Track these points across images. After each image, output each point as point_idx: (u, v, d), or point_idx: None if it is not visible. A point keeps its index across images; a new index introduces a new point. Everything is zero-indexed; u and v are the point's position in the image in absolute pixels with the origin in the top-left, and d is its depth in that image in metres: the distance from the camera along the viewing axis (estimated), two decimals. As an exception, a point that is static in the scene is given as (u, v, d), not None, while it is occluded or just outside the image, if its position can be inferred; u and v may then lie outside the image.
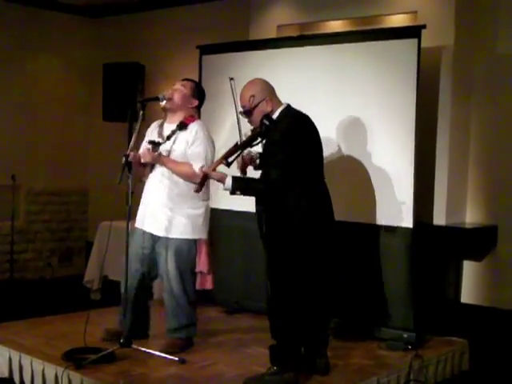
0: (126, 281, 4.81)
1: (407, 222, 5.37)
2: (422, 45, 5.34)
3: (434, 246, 5.69)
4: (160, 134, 4.97)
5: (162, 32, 8.55)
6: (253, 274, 6.14)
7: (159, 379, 4.44)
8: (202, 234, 4.99)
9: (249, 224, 5.83)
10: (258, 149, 4.55)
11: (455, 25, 5.77)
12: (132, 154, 4.72)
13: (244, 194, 4.34)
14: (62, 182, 9.21)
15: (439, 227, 5.78)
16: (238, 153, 4.40)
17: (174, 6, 8.42)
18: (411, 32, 5.44)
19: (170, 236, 4.89)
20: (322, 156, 4.53)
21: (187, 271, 4.94)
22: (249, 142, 4.40)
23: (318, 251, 4.41)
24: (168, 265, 4.90)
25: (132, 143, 4.78)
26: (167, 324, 5.00)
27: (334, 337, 5.25)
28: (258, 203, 4.49)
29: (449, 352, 5.29)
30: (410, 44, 5.39)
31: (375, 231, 5.54)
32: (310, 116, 4.49)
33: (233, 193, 4.26)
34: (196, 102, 5.04)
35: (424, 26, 5.35)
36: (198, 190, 4.32)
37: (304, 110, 4.51)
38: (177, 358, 4.68)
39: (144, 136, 5.11)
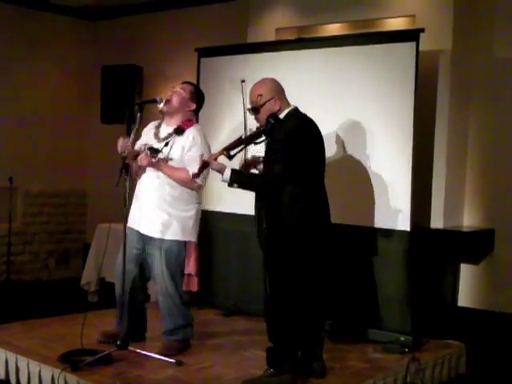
0: (123, 282, 4.81)
1: (405, 225, 5.38)
2: (420, 48, 5.34)
3: (431, 249, 5.69)
4: (156, 135, 4.97)
5: (161, 34, 8.56)
6: (250, 277, 6.14)
7: (156, 381, 4.43)
8: (191, 237, 4.98)
9: (246, 227, 5.84)
10: (261, 152, 4.57)
11: (453, 28, 5.78)
12: (128, 148, 4.74)
13: (241, 188, 4.36)
14: (59, 184, 9.20)
15: (437, 230, 5.78)
16: (241, 147, 4.40)
17: (172, 8, 8.43)
18: (409, 35, 5.45)
19: (163, 237, 4.89)
20: (323, 161, 4.55)
21: (178, 272, 4.94)
22: (253, 138, 4.43)
23: (314, 252, 4.42)
24: (159, 266, 4.91)
25: (129, 145, 4.79)
26: (163, 326, 4.99)
27: (331, 339, 5.26)
28: (258, 200, 4.49)
29: (446, 355, 5.28)
30: (408, 47, 5.40)
31: (373, 234, 5.55)
32: (310, 119, 4.51)
33: (230, 185, 4.30)
34: (194, 106, 5.04)
35: (422, 30, 5.36)
36: (195, 176, 4.41)
37: (302, 113, 4.53)
38: (174, 360, 4.68)
39: (141, 136, 5.11)
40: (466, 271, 6.01)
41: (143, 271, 5.06)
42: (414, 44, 5.35)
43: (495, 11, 5.98)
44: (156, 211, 4.90)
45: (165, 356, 4.73)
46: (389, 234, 5.48)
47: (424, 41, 5.37)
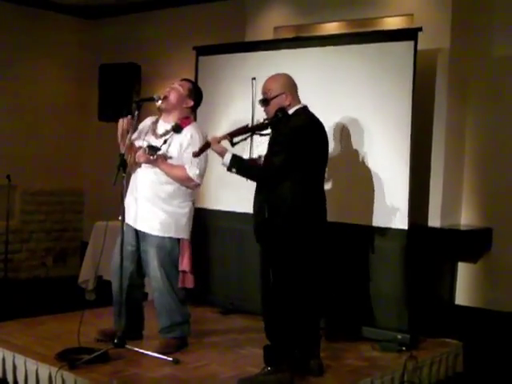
0: (121, 279, 4.81)
1: (402, 223, 5.38)
2: (418, 47, 5.34)
3: (428, 248, 5.69)
4: (154, 131, 4.97)
5: (159, 33, 8.56)
6: (247, 275, 6.14)
7: (153, 379, 4.43)
8: (184, 234, 4.98)
9: (244, 225, 5.85)
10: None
11: (451, 27, 5.78)
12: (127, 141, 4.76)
13: (239, 174, 4.38)
14: (57, 182, 9.20)
15: (434, 229, 5.79)
16: (246, 136, 4.44)
17: (170, 6, 8.43)
18: (407, 34, 5.45)
19: (157, 234, 4.89)
20: (325, 162, 4.56)
21: (172, 269, 4.94)
22: (258, 128, 4.47)
23: (311, 250, 4.43)
24: (154, 263, 4.91)
25: (127, 143, 4.80)
26: (160, 323, 4.99)
27: (328, 338, 5.26)
28: (258, 193, 4.50)
29: (443, 353, 5.29)
30: (406, 46, 5.40)
31: (370, 233, 5.55)
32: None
33: (229, 169, 4.33)
34: (191, 103, 5.03)
35: (420, 29, 5.36)
36: (196, 155, 4.48)
37: (300, 111, 4.53)
38: (171, 359, 4.67)
39: (139, 133, 5.10)
40: (463, 270, 6.02)
41: (140, 268, 5.06)
42: (411, 43, 5.35)
43: (493, 10, 5.98)
44: (150, 208, 4.89)
45: (162, 354, 4.73)
46: (386, 232, 5.48)
47: (422, 40, 5.36)
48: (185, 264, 4.96)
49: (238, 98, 6.25)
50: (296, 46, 6.05)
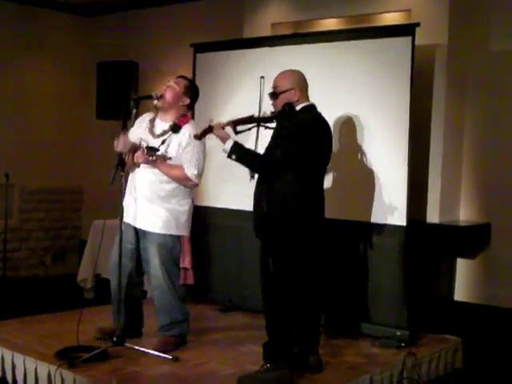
0: (119, 277, 4.81)
1: (401, 219, 5.38)
2: (416, 43, 5.34)
3: (427, 244, 5.69)
4: (151, 130, 4.96)
5: (156, 30, 8.54)
6: (247, 272, 6.14)
7: (152, 377, 4.43)
8: (184, 231, 4.99)
9: (243, 222, 5.85)
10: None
11: (449, 23, 5.77)
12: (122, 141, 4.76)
13: (238, 161, 4.38)
14: (55, 181, 9.19)
15: (433, 225, 5.79)
16: (250, 126, 4.49)
17: (168, 4, 8.41)
18: (405, 30, 5.44)
19: (157, 232, 4.89)
20: (327, 161, 4.56)
21: (173, 267, 4.94)
22: (263, 120, 4.51)
23: (309, 246, 4.42)
24: (155, 260, 4.91)
25: (122, 143, 4.80)
26: (159, 321, 4.98)
27: (327, 335, 5.26)
28: (259, 185, 4.50)
29: (442, 350, 5.29)
30: (403, 42, 5.40)
31: (369, 229, 5.54)
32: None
33: (229, 156, 4.34)
34: (188, 101, 5.02)
35: (418, 24, 5.35)
36: (197, 137, 4.52)
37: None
38: (170, 356, 4.67)
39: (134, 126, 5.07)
40: (462, 266, 6.02)
41: (139, 266, 5.06)
42: (409, 39, 5.35)
43: (491, 5, 5.97)
44: (150, 206, 4.89)
45: (161, 352, 4.73)
46: (385, 228, 5.48)
47: (420, 35, 5.36)
48: (186, 261, 4.97)
49: (236, 95, 6.25)
50: (294, 42, 6.05)
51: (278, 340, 4.41)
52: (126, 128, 4.84)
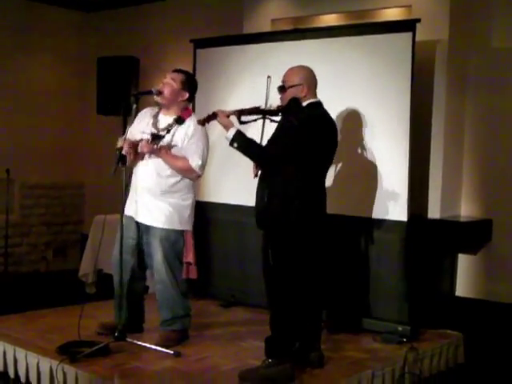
0: (121, 272, 4.81)
1: (402, 215, 5.38)
2: (417, 38, 5.33)
3: (428, 240, 5.69)
4: (155, 125, 4.96)
5: (157, 26, 8.54)
6: (249, 268, 6.14)
7: (154, 372, 4.43)
8: (188, 226, 4.99)
9: (245, 218, 5.86)
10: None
11: (450, 18, 5.76)
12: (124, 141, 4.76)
13: (239, 150, 4.39)
14: (56, 176, 9.21)
15: (434, 221, 5.79)
16: (255, 117, 4.51)
17: (168, -1, 8.43)
18: (405, 26, 5.43)
19: (161, 226, 4.89)
20: (330, 159, 4.57)
21: (176, 261, 4.94)
22: (268, 112, 4.52)
23: (309, 241, 4.43)
24: (158, 255, 4.91)
25: (125, 136, 4.80)
26: (161, 316, 4.99)
27: (328, 330, 5.27)
28: (261, 179, 4.52)
29: (444, 345, 5.29)
30: (404, 38, 5.39)
31: (370, 225, 5.55)
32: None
33: (231, 144, 4.36)
34: (187, 95, 5.00)
35: (418, 20, 5.35)
36: (200, 123, 4.55)
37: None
38: (172, 352, 4.68)
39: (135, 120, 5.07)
40: (463, 261, 6.02)
41: (141, 261, 5.07)
42: (410, 34, 5.34)
43: (492, 1, 5.97)
44: (153, 200, 4.89)
45: (163, 347, 4.73)
46: (386, 224, 5.48)
47: (420, 31, 5.35)
48: (190, 256, 4.98)
49: (237, 91, 6.24)
50: (294, 38, 6.03)
51: (281, 334, 4.42)
52: (126, 123, 4.85)
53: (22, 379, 4.67)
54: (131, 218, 4.98)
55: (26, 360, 4.65)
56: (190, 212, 5.00)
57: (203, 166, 4.92)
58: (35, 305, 6.08)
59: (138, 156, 4.92)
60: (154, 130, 4.92)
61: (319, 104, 4.57)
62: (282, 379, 4.27)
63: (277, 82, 4.67)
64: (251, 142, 4.43)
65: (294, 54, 5.85)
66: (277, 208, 4.35)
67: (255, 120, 4.53)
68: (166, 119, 4.96)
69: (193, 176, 4.93)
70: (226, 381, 4.34)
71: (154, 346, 4.74)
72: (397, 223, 5.41)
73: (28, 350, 4.68)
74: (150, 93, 4.94)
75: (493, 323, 5.67)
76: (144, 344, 4.75)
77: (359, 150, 5.60)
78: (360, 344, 5.20)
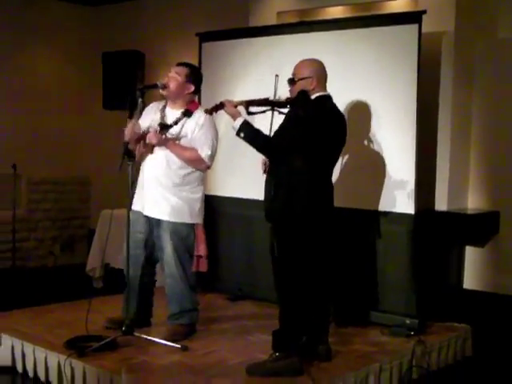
0: (128, 267, 4.81)
1: (409, 207, 5.36)
2: (423, 30, 5.31)
3: (436, 232, 5.68)
4: (162, 120, 4.95)
5: (162, 19, 8.52)
6: (256, 261, 6.14)
7: (162, 367, 4.44)
8: (199, 219, 5.00)
9: (252, 211, 5.87)
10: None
11: (456, 10, 5.74)
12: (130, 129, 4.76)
13: (245, 140, 4.39)
14: (62, 171, 9.21)
15: (441, 213, 5.77)
16: (263, 109, 4.51)
17: (173, -7, 8.40)
18: (412, 17, 5.41)
19: (171, 220, 4.89)
20: (338, 153, 4.56)
21: (186, 255, 4.95)
22: (277, 103, 4.53)
23: (315, 235, 4.42)
24: (168, 249, 4.91)
25: (130, 131, 4.79)
26: (169, 310, 5.00)
27: (336, 323, 5.26)
28: (270, 172, 4.52)
29: (451, 338, 5.28)
30: (410, 30, 5.37)
31: (377, 217, 5.53)
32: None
33: (237, 134, 4.37)
34: (192, 87, 4.99)
35: (424, 12, 5.32)
36: (208, 112, 4.60)
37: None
38: (179, 346, 4.68)
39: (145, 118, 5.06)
40: (471, 254, 6.01)
41: (151, 254, 5.07)
42: (416, 26, 5.31)
43: (498, -9, 5.95)
44: (164, 194, 4.89)
45: (170, 341, 4.74)
46: (393, 216, 5.47)
47: (426, 23, 5.33)
48: (201, 249, 4.98)
49: (242, 84, 6.23)
50: (300, 30, 6.01)
51: (288, 328, 4.41)
52: (132, 117, 4.84)
53: (30, 374, 4.69)
54: (139, 212, 4.97)
55: (34, 355, 4.66)
56: (200, 205, 4.99)
57: (212, 157, 4.91)
58: (43, 299, 6.10)
59: (147, 149, 4.91)
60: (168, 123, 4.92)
61: (328, 97, 4.56)
62: (289, 373, 4.27)
63: (285, 80, 4.64)
64: (258, 132, 4.43)
65: (299, 46, 5.84)
66: (282, 200, 4.35)
67: (263, 112, 4.53)
68: (173, 113, 4.95)
69: (202, 166, 4.92)
70: (234, 375, 4.33)
71: (161, 341, 4.74)
72: (404, 216, 5.40)
73: (36, 344, 4.69)
74: (155, 86, 4.93)
75: (501, 316, 5.66)
76: (151, 338, 4.75)
77: (366, 143, 5.58)
78: (368, 337, 5.20)
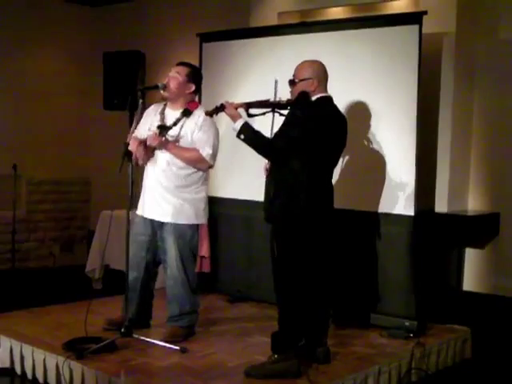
0: (127, 269, 4.80)
1: (409, 209, 5.36)
2: (424, 31, 5.30)
3: (435, 234, 5.67)
4: (162, 122, 4.94)
5: (163, 20, 8.52)
6: (255, 263, 6.14)
7: (161, 368, 4.44)
8: (203, 219, 4.99)
9: (251, 213, 5.86)
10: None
11: (457, 10, 5.74)
12: (131, 138, 4.74)
13: (246, 142, 4.38)
14: (63, 171, 9.20)
15: (441, 215, 5.77)
16: (264, 111, 4.52)
17: (174, -7, 8.40)
18: (412, 18, 5.40)
19: (175, 221, 4.88)
20: (338, 155, 4.55)
21: (189, 257, 4.94)
22: (278, 106, 4.52)
23: (314, 237, 4.41)
24: (171, 251, 4.90)
25: (132, 131, 4.78)
26: (169, 311, 5.00)
27: (335, 325, 5.25)
28: (270, 173, 4.51)
29: (451, 340, 5.27)
30: (411, 30, 5.36)
31: (377, 219, 5.52)
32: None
33: (238, 136, 4.36)
34: (193, 87, 4.99)
35: (425, 12, 5.31)
36: (208, 114, 4.58)
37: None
38: (178, 347, 4.67)
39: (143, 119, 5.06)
40: (470, 255, 6.00)
41: (154, 257, 5.07)
42: (417, 27, 5.31)
43: (499, -8, 5.94)
44: (165, 195, 4.88)
45: (169, 343, 4.73)
46: (393, 218, 5.46)
47: (427, 23, 5.32)
48: (204, 249, 4.98)
49: (243, 85, 6.22)
50: (301, 31, 6.01)
51: (287, 329, 4.40)
52: (133, 117, 4.84)
53: (29, 376, 4.68)
54: (142, 216, 4.98)
55: (33, 356, 4.65)
56: (204, 205, 4.99)
57: (214, 156, 4.91)
58: (42, 301, 6.08)
59: (149, 153, 4.90)
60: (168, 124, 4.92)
61: (329, 99, 4.55)
62: (288, 375, 4.26)
63: (284, 84, 4.63)
64: (258, 134, 4.42)
65: (300, 47, 5.84)
66: (282, 200, 4.35)
67: (264, 113, 4.52)
68: (173, 114, 4.95)
69: (204, 166, 4.92)
70: (233, 377, 4.33)
71: (160, 342, 4.74)
72: (404, 217, 5.39)
73: (34, 346, 4.68)
74: (155, 88, 4.93)
75: (500, 318, 5.65)
76: (150, 340, 4.75)
77: (366, 143, 5.57)
78: (367, 339, 5.19)
